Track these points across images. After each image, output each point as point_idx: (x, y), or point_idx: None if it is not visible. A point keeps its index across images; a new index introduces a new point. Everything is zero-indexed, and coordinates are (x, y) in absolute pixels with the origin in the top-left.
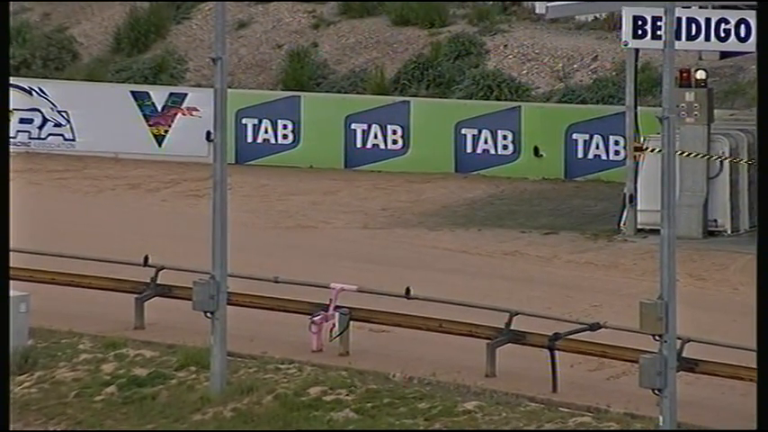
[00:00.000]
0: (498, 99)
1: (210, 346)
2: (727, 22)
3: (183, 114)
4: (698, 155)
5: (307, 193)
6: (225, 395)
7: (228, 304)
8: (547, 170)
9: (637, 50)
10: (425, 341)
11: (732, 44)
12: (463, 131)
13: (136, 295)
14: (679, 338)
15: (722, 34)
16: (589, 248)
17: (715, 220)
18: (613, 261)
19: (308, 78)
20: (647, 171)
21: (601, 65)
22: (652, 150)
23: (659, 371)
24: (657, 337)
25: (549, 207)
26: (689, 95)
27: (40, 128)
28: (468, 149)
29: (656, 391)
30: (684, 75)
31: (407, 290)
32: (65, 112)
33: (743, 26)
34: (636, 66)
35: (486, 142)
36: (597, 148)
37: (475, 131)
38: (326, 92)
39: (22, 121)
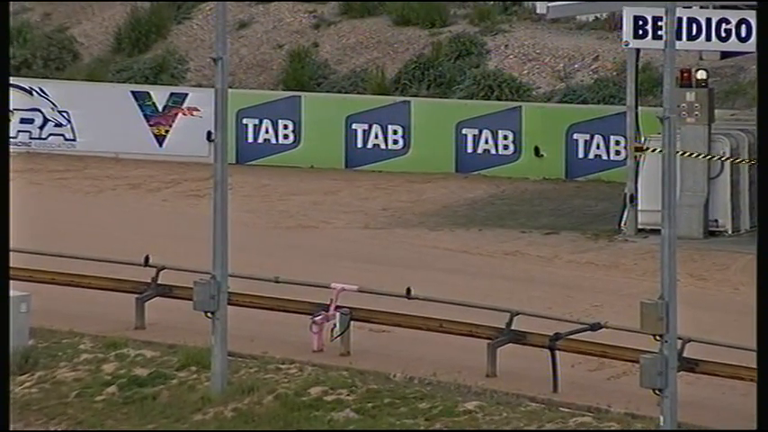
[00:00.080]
0: (499, 99)
1: (211, 346)
2: (727, 22)
3: (184, 114)
4: (699, 155)
5: (307, 193)
6: (226, 395)
7: (229, 304)
8: (548, 170)
9: (638, 50)
10: (426, 341)
11: (733, 44)
12: (464, 131)
13: (137, 295)
14: (680, 338)
15: (723, 34)
16: (590, 248)
17: (716, 220)
18: (614, 261)
19: (308, 78)
20: (648, 171)
21: (602, 65)
22: (653, 150)
23: (660, 371)
24: (658, 337)
25: (549, 207)
26: (690, 95)
27: (41, 128)
28: (469, 149)
29: (656, 391)
30: (685, 75)
31: (408, 290)
32: (65, 112)
33: (743, 26)
34: (637, 66)
35: (486, 142)
36: (598, 148)
37: (476, 131)
38: (327, 92)
39: (22, 121)
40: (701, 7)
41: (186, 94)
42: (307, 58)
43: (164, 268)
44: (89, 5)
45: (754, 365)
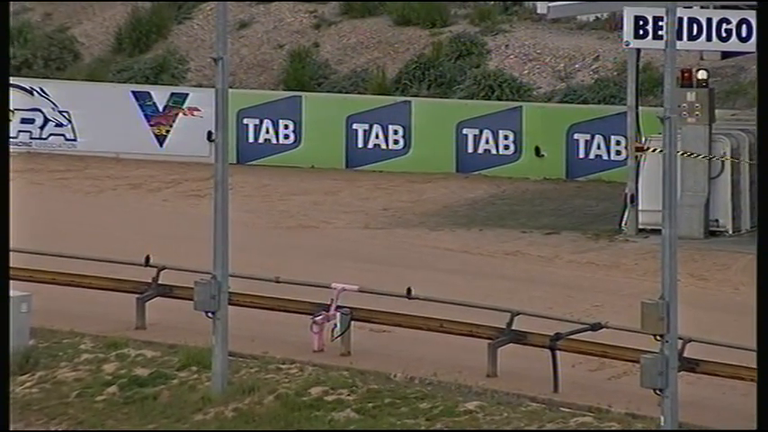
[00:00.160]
0: (499, 99)
1: (212, 346)
2: (728, 22)
3: (185, 114)
4: (699, 155)
5: (308, 193)
6: (226, 395)
7: (230, 304)
8: (548, 170)
9: (638, 50)
10: (427, 341)
11: (733, 44)
12: (464, 131)
13: (137, 295)
14: (680, 338)
15: (723, 34)
16: (590, 248)
17: (716, 220)
18: (615, 261)
19: (309, 78)
20: (649, 171)
21: (602, 65)
22: (653, 150)
23: (660, 371)
24: (659, 337)
25: (550, 207)
26: (690, 95)
27: (42, 128)
28: (470, 149)
29: (657, 392)
30: (686, 75)
31: (409, 290)
32: (66, 112)
33: (744, 26)
34: (637, 66)
35: (487, 142)
36: (598, 148)
37: (476, 131)
38: (328, 92)
39: (23, 121)
40: (702, 7)
41: (187, 94)
42: (307, 58)
43: (164, 268)
44: (90, 5)
45: (755, 365)
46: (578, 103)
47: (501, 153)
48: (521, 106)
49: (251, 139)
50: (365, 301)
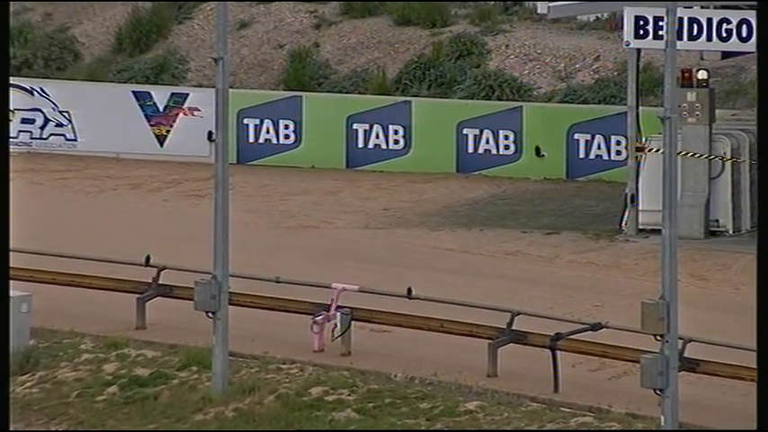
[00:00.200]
0: (500, 99)
1: (212, 346)
2: (728, 22)
3: (185, 114)
4: (699, 155)
5: (308, 193)
6: (226, 395)
7: (230, 304)
8: (548, 170)
9: (638, 50)
10: (427, 341)
11: (734, 44)
12: (465, 131)
13: (137, 295)
14: (680, 338)
15: (724, 34)
16: (591, 248)
17: (717, 220)
18: (615, 261)
19: (309, 78)
20: (649, 171)
21: (602, 65)
22: (654, 150)
23: (661, 371)
24: (659, 337)
25: (550, 207)
26: (690, 95)
27: (42, 128)
28: (470, 149)
29: (657, 392)
30: (686, 75)
31: (409, 290)
32: (66, 112)
33: (744, 26)
34: (637, 66)
35: (487, 142)
36: (599, 148)
37: (476, 131)
38: (328, 92)
39: (23, 121)
40: (702, 7)
41: (187, 94)
42: (308, 58)
43: (165, 268)
44: (90, 5)
45: (755, 365)
46: (579, 103)
47: (501, 153)
48: (521, 106)
49: (251, 139)
50: (366, 301)
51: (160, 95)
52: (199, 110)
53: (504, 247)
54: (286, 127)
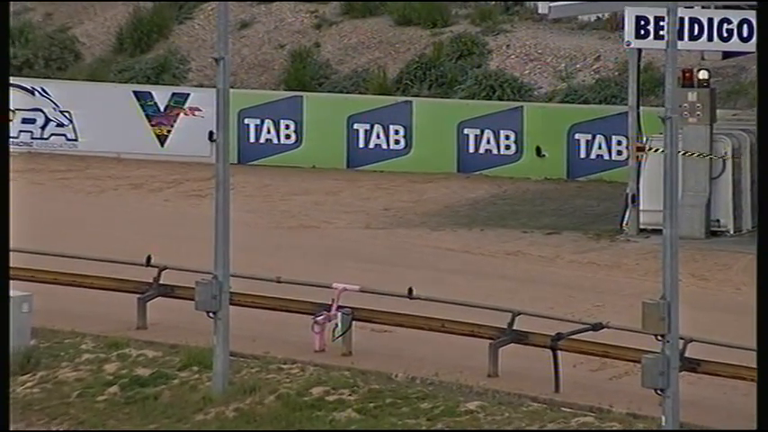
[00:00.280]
0: (501, 99)
1: (213, 346)
2: (729, 22)
3: (186, 114)
4: (700, 155)
5: (309, 193)
6: (227, 395)
7: (231, 304)
8: (549, 170)
9: (639, 50)
10: (428, 341)
11: (734, 44)
12: (465, 131)
13: (138, 295)
14: (681, 338)
15: (725, 34)
16: (592, 248)
17: (717, 220)
18: (616, 261)
19: (310, 78)
20: (650, 171)
21: (603, 65)
22: (654, 150)
23: (662, 371)
24: (660, 337)
25: (551, 207)
26: (691, 95)
27: (43, 128)
28: (471, 149)
29: (658, 391)
30: (687, 75)
31: (410, 290)
32: (67, 112)
33: (745, 26)
34: (638, 66)
35: (488, 142)
36: (600, 148)
37: (477, 131)
38: (329, 92)
39: (24, 121)
40: (703, 7)
41: (188, 94)
42: (308, 58)
43: (165, 268)
44: (91, 5)
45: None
46: (579, 103)
47: (502, 153)
48: (522, 106)
49: (252, 139)
50: (366, 301)
51: (161, 95)
52: (200, 110)
53: (505, 247)
54: (287, 127)
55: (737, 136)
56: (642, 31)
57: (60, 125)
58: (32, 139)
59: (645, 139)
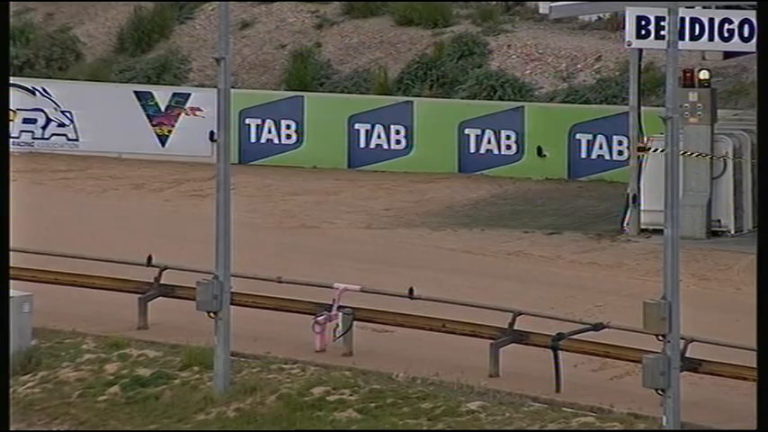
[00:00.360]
0: (501, 99)
1: (214, 346)
2: (730, 22)
3: (187, 114)
4: (701, 155)
5: (310, 193)
6: (228, 395)
7: (232, 304)
8: (550, 170)
9: (640, 50)
10: (429, 341)
11: (735, 44)
12: (466, 131)
13: (139, 295)
14: (682, 338)
15: (725, 34)
16: (592, 248)
17: (718, 221)
18: (617, 261)
19: (311, 78)
20: (651, 171)
21: (604, 65)
22: (655, 150)
23: (663, 371)
24: (661, 338)
25: (552, 207)
26: (692, 95)
27: (44, 128)
28: (472, 149)
29: (659, 392)
30: (688, 75)
31: (411, 290)
32: (68, 112)
33: (746, 26)
34: (639, 66)
35: (489, 142)
36: (600, 148)
37: (478, 131)
38: (330, 92)
39: (25, 121)
40: (704, 7)
41: (189, 94)
42: (309, 58)
43: (166, 268)
44: (92, 5)
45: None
46: (580, 103)
47: (503, 153)
48: (523, 106)
49: (253, 139)
50: (367, 301)
51: (162, 95)
52: (200, 110)
53: (506, 248)
54: (288, 127)
55: (738, 136)
56: (643, 31)
57: (61, 125)
58: (33, 139)
59: (646, 139)
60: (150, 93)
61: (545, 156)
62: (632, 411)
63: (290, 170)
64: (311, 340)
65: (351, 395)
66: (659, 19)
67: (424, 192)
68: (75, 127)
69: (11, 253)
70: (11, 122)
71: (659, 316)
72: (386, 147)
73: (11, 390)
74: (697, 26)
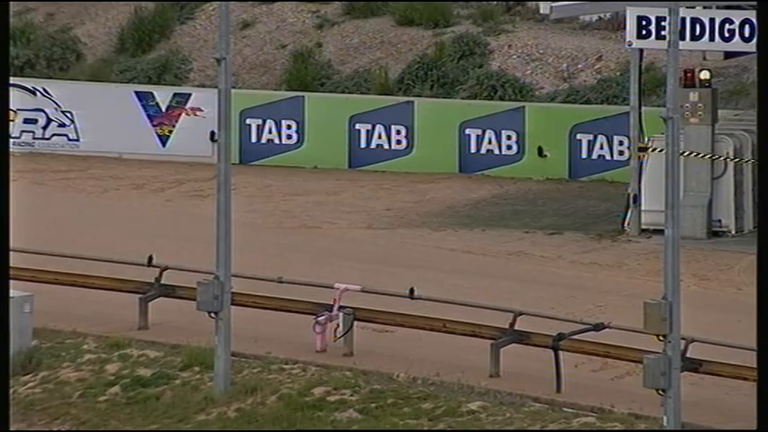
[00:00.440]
0: (502, 99)
1: (214, 346)
2: (731, 22)
3: (188, 114)
4: (702, 155)
5: (311, 194)
6: (229, 395)
7: (232, 304)
8: (551, 170)
9: (641, 50)
10: (429, 341)
11: (736, 44)
12: (467, 131)
13: (140, 295)
14: (683, 339)
15: (726, 34)
16: (593, 249)
17: (719, 221)
18: (617, 261)
19: (311, 78)
20: (652, 171)
21: (605, 65)
22: (656, 150)
23: (663, 371)
24: (661, 338)
25: (553, 207)
26: (693, 95)
27: (45, 128)
28: (473, 149)
29: (660, 392)
30: (689, 75)
31: (411, 290)
32: (69, 112)
33: (747, 26)
34: (640, 66)
35: (490, 142)
36: (601, 148)
37: (479, 131)
38: (330, 92)
39: (26, 121)
40: (705, 7)
41: (189, 95)
42: (310, 58)
43: (167, 268)
44: (92, 5)
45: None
46: (581, 104)
47: (504, 153)
48: (523, 106)
49: (254, 140)
50: (368, 302)
51: (162, 95)
52: (201, 110)
53: (507, 248)
54: (288, 127)
55: (739, 136)
56: (644, 32)
57: (62, 125)
58: (34, 139)
59: (646, 139)
60: (151, 93)
61: (546, 156)
62: (633, 411)
63: (290, 170)
64: (312, 340)
65: (351, 395)
66: (660, 19)
67: (424, 192)
68: (75, 127)
69: (11, 253)
70: (11, 123)
71: (660, 316)
72: (386, 147)
73: (11, 390)
74: (698, 26)
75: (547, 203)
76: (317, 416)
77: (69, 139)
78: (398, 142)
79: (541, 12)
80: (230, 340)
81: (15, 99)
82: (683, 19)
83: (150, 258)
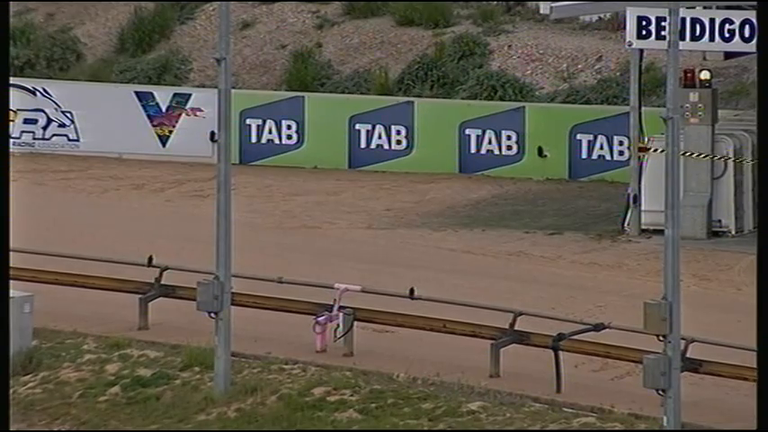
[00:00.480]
0: (502, 99)
1: (214, 346)
2: (731, 22)
3: (188, 115)
4: (702, 155)
5: (311, 194)
6: (229, 395)
7: (232, 305)
8: (551, 170)
9: (641, 51)
10: (429, 341)
11: (736, 44)
12: (467, 132)
13: (140, 295)
14: (683, 339)
15: (726, 34)
16: (593, 249)
17: (719, 221)
18: (617, 261)
19: (311, 79)
20: (652, 171)
21: (605, 65)
22: (656, 150)
23: (663, 371)
24: (661, 338)
25: (553, 207)
26: (693, 96)
27: (45, 128)
28: (473, 150)
29: (660, 392)
30: (689, 75)
31: (411, 290)
32: (69, 112)
33: (747, 26)
34: (640, 66)
35: (490, 143)
36: (601, 148)
37: (479, 132)
38: (330, 92)
39: (26, 121)
40: (705, 7)
41: (189, 95)
42: (310, 58)
43: (167, 268)
44: (92, 5)
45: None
46: (581, 104)
47: (504, 153)
48: (523, 107)
49: (254, 140)
50: (368, 302)
51: (163, 96)
52: (201, 110)
53: (507, 248)
54: (288, 127)
55: (739, 136)
56: (644, 32)
57: (62, 125)
58: (34, 139)
59: (646, 139)
60: (151, 93)
61: (546, 156)
62: (633, 412)
63: (290, 170)
64: (312, 341)
65: (351, 395)
66: (660, 19)
67: (424, 192)
68: (75, 127)
69: (11, 253)
70: (11, 123)
71: (660, 316)
72: (386, 147)
73: (11, 390)
74: (698, 26)
75: (547, 204)
76: (317, 416)
77: (69, 140)
78: (398, 142)
79: (541, 12)
80: (230, 340)
81: (15, 99)
82: (683, 19)
83: (150, 258)
